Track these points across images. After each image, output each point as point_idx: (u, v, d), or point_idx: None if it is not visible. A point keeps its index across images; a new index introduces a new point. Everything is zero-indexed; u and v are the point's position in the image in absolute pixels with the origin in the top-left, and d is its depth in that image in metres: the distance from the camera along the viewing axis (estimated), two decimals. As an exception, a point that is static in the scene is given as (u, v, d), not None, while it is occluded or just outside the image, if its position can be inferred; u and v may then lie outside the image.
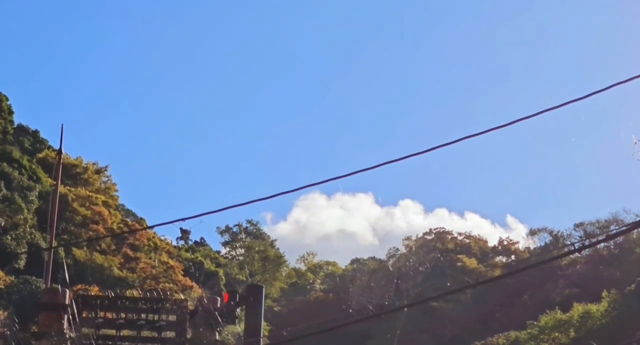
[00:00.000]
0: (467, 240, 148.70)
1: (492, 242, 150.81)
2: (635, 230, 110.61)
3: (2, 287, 70.08)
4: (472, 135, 15.89)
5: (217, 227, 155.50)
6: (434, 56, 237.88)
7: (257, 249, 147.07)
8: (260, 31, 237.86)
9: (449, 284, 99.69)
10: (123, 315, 31.37)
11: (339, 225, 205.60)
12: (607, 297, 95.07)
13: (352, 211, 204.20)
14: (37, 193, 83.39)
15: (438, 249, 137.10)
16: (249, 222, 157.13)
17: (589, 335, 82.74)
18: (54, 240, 48.39)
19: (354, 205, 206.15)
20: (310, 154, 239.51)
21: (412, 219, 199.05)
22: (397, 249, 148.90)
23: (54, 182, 55.01)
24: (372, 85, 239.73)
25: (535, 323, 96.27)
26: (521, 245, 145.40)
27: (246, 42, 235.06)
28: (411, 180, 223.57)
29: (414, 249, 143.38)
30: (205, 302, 31.24)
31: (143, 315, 31.41)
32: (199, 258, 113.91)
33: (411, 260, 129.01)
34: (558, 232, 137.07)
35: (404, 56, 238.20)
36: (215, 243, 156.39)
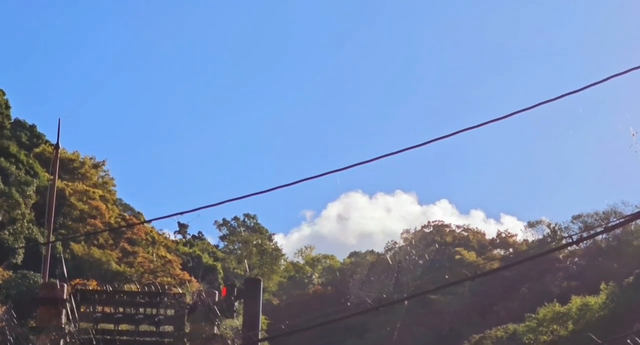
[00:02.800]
0: (465, 233, 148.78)
1: (490, 235, 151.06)
2: (634, 223, 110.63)
3: (0, 282, 70.04)
4: (469, 127, 15.83)
5: (215, 221, 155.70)
6: (429, 46, 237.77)
7: (254, 242, 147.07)
8: (255, 24, 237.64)
9: (447, 277, 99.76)
10: (121, 309, 31.35)
11: (379, 224, 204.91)
12: (605, 290, 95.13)
13: (393, 210, 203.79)
14: (34, 188, 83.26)
15: (436, 242, 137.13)
16: (246, 215, 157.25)
17: (587, 328, 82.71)
18: (51, 235, 48.35)
19: (395, 204, 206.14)
20: (310, 148, 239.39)
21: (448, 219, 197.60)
22: (396, 243, 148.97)
23: (52, 177, 54.98)
24: (368, 78, 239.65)
25: (533, 316, 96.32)
26: (519, 238, 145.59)
27: (242, 33, 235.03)
28: (449, 179, 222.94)
29: (412, 242, 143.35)
30: (204, 296, 31.22)
31: (141, 310, 31.39)
32: (197, 252, 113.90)
33: (410, 253, 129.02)
34: (556, 224, 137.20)
35: (398, 46, 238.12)
36: (213, 237, 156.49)
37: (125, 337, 31.46)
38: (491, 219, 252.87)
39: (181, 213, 18.14)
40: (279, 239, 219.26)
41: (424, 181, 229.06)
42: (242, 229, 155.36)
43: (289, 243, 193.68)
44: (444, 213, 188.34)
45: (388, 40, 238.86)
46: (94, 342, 29.94)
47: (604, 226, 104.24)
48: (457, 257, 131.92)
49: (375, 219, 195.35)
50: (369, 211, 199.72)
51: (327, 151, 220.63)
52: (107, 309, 31.39)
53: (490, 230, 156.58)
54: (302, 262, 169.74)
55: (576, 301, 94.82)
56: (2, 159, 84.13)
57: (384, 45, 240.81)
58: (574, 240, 16.38)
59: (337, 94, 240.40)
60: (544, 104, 15.33)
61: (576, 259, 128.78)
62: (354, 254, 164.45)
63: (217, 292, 31.51)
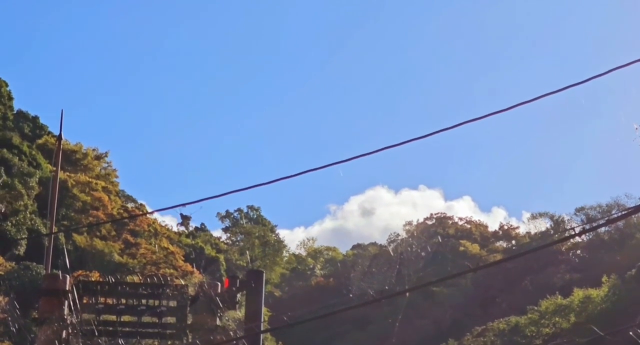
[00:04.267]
0: (468, 226, 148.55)
1: (493, 227, 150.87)
2: (636, 215, 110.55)
3: (3, 273, 70.07)
4: (472, 119, 15.80)
5: (218, 213, 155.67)
6: (430, 41, 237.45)
7: (256, 234, 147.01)
8: (257, 18, 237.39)
9: (449, 269, 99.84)
10: (124, 300, 31.33)
11: (405, 218, 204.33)
12: (607, 282, 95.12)
13: (417, 205, 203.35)
14: (37, 179, 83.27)
15: (439, 234, 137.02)
16: (249, 207, 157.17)
17: (589, 320, 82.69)
18: (54, 226, 48.35)
19: (421, 199, 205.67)
20: (309, 142, 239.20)
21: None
22: (398, 235, 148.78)
23: (54, 168, 54.99)
24: (367, 72, 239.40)
25: (535, 308, 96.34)
26: (522, 230, 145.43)
27: (247, 26, 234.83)
28: (473, 177, 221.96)
29: (415, 234, 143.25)
30: (206, 287, 31.21)
31: (144, 301, 31.38)
32: (200, 244, 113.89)
33: (412, 245, 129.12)
34: (559, 216, 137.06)
35: (398, 41, 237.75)
36: (216, 229, 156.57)
37: (127, 329, 31.47)
38: (513, 217, 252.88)
39: (184, 204, 18.18)
40: (300, 233, 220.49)
41: (450, 177, 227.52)
42: (244, 220, 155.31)
43: (307, 236, 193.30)
44: (467, 209, 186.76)
45: (390, 35, 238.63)
46: (97, 334, 29.95)
47: (606, 219, 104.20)
48: (461, 249, 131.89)
49: (401, 214, 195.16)
50: (395, 207, 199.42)
51: (330, 146, 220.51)
52: (109, 301, 31.38)
53: (493, 223, 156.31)
54: (304, 254, 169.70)
55: (578, 294, 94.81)
56: (5, 150, 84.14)
57: (387, 39, 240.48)
58: (577, 232, 16.37)
59: (336, 91, 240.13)
60: (547, 95, 15.30)
61: (578, 251, 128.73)
62: (356, 246, 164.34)
63: (219, 283, 31.50)
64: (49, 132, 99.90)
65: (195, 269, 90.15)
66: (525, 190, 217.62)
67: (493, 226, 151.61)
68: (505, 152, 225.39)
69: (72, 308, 29.90)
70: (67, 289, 30.17)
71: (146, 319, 31.45)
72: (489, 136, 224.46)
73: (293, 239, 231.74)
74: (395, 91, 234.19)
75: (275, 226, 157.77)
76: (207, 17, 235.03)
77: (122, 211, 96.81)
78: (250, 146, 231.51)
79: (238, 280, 30.80)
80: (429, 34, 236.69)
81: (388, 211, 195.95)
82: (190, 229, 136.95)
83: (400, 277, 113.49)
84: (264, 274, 31.20)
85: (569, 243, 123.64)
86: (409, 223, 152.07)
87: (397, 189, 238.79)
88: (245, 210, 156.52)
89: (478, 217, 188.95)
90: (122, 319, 31.41)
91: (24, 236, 77.28)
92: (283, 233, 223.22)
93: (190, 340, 31.02)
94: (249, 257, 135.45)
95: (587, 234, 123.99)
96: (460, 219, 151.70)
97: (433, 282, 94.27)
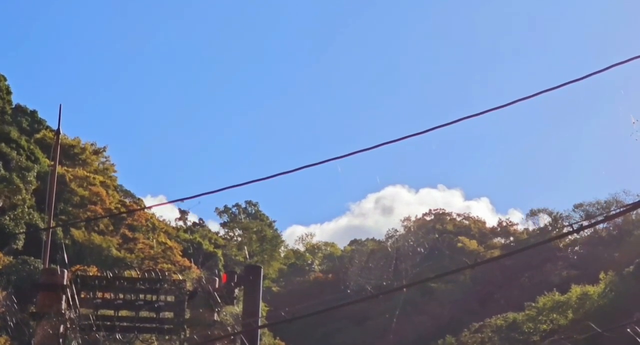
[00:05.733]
0: (466, 222, 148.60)
1: (491, 223, 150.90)
2: (635, 212, 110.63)
3: (1, 267, 70.08)
4: (471, 115, 15.78)
5: (216, 208, 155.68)
6: (419, 41, 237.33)
7: (254, 229, 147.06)
8: (255, 15, 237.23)
9: (447, 265, 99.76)
10: (121, 295, 31.30)
11: None
12: (604, 279, 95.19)
13: (435, 204, 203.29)
14: (35, 173, 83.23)
15: (437, 230, 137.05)
16: (247, 202, 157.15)
17: (587, 317, 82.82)
18: (52, 221, 48.32)
19: (440, 199, 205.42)
20: (309, 136, 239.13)
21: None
22: (396, 230, 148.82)
23: (52, 163, 54.93)
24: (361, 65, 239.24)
25: (533, 304, 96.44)
26: (520, 227, 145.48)
27: (243, 17, 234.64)
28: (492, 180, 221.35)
29: (413, 229, 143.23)
30: (204, 282, 31.19)
31: (141, 296, 31.35)
32: (198, 239, 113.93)
33: (410, 241, 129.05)
34: (557, 213, 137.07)
35: (388, 40, 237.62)
36: (214, 224, 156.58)
37: (125, 323, 31.44)
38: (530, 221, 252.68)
39: (182, 199, 18.17)
40: (316, 230, 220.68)
41: (469, 177, 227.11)
42: (243, 216, 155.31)
43: (322, 233, 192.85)
44: (485, 210, 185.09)
45: (379, 33, 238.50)
46: (94, 328, 29.94)
47: (604, 215, 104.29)
48: (459, 245, 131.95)
49: (420, 213, 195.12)
50: (414, 207, 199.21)
51: (330, 143, 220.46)
52: (107, 295, 31.34)
53: (491, 219, 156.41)
54: (302, 249, 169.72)
55: (576, 290, 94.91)
56: (3, 144, 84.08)
57: (377, 37, 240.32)
58: (575, 229, 16.37)
59: (333, 88, 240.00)
60: (546, 92, 15.29)
61: (577, 248, 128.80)
62: (354, 242, 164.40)
63: (217, 278, 31.48)
64: (47, 127, 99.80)
65: (193, 264, 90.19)
66: (523, 186, 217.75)
67: (491, 222, 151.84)
68: (503, 149, 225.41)
69: (70, 303, 29.90)
70: (65, 283, 30.16)
71: (144, 313, 31.42)
72: (487, 133, 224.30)
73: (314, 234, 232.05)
74: (395, 90, 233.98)
75: (274, 221, 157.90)
76: (202, 11, 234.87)
77: (120, 206, 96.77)
78: (249, 141, 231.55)
79: (236, 276, 30.78)
80: (427, 32, 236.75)
81: (407, 210, 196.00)
82: (189, 223, 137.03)
83: (398, 273, 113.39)
84: (262, 269, 31.18)
85: (567, 239, 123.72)
86: (407, 219, 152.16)
87: (416, 188, 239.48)
88: (243, 205, 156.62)
89: (493, 218, 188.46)
90: (119, 314, 31.38)
91: (22, 230, 77.26)
92: (299, 230, 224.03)
93: (187, 335, 31.02)
94: (247, 253, 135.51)
95: (586, 231, 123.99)
96: (459, 215, 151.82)
97: (431, 278, 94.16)
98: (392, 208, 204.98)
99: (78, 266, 67.66)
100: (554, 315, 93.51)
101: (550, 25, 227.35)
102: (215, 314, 30.58)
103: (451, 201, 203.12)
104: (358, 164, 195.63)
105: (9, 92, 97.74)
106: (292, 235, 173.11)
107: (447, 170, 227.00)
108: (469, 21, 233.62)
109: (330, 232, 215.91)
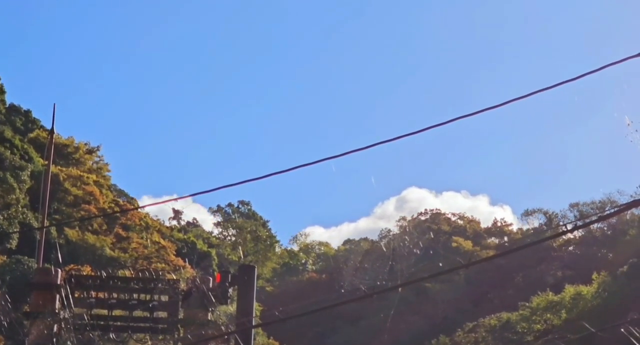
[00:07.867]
0: (461, 222, 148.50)
1: (486, 223, 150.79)
2: (629, 212, 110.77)
3: (-6, 267, 69.91)
4: (466, 115, 15.77)
5: (210, 208, 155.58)
6: (426, 33, 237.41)
7: (248, 229, 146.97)
8: (254, 12, 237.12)
9: (441, 265, 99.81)
10: (115, 295, 31.32)
11: None
12: (597, 279, 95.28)
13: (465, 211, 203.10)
14: (29, 173, 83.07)
15: (432, 230, 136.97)
16: (241, 202, 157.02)
17: (580, 317, 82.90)
18: (45, 220, 48.27)
19: (467, 204, 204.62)
20: (305, 136, 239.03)
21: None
22: (390, 230, 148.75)
23: (46, 162, 54.89)
24: (362, 65, 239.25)
25: (527, 304, 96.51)
26: (514, 227, 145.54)
27: (237, 18, 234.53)
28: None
29: (407, 229, 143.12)
30: (198, 282, 31.19)
31: (135, 295, 31.37)
32: (192, 238, 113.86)
33: (405, 241, 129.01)
34: (552, 212, 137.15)
35: (394, 32, 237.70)
36: (208, 223, 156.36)
37: (119, 323, 31.46)
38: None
39: (175, 199, 18.11)
40: (338, 231, 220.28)
41: (495, 181, 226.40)
42: (236, 215, 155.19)
43: (341, 234, 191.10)
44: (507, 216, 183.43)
45: (384, 30, 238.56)
46: (88, 328, 29.92)
47: (598, 215, 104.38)
48: (454, 244, 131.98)
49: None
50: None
51: (326, 140, 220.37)
52: (101, 295, 31.36)
53: (485, 219, 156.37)
54: (296, 248, 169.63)
55: (570, 290, 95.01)
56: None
57: (381, 34, 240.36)
58: (569, 228, 16.39)
59: (332, 89, 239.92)
60: (540, 92, 15.28)
61: (571, 248, 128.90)
62: (348, 242, 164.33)
63: (211, 278, 31.50)
64: (41, 126, 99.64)
65: (187, 264, 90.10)
66: (518, 186, 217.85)
67: (486, 222, 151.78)
68: (498, 148, 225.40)
69: (64, 302, 29.88)
70: (59, 283, 30.16)
71: (138, 313, 31.43)
72: (483, 132, 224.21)
73: (332, 236, 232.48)
74: (395, 90, 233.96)
75: (268, 221, 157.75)
76: (196, 9, 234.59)
77: (113, 205, 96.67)
78: (243, 140, 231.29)
79: (230, 275, 30.79)
80: (429, 30, 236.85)
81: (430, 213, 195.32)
82: (182, 223, 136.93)
83: (392, 272, 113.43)
84: (256, 269, 31.19)
85: (561, 239, 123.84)
86: (403, 219, 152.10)
87: (438, 191, 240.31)
88: (236, 204, 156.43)
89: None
90: (113, 313, 31.38)
91: (15, 230, 77.11)
92: (319, 231, 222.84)
93: (181, 334, 31.02)
94: (241, 252, 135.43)
95: (580, 231, 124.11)
96: (454, 214, 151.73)
97: (425, 278, 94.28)
98: (413, 210, 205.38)
99: (72, 266, 67.48)
100: (548, 315, 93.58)
101: (550, 25, 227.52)
102: (209, 314, 30.59)
103: (452, 204, 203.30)
104: (379, 165, 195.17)
105: (2, 92, 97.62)
106: (311, 236, 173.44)
107: (448, 170, 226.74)
108: (494, 17, 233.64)
109: (348, 234, 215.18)
